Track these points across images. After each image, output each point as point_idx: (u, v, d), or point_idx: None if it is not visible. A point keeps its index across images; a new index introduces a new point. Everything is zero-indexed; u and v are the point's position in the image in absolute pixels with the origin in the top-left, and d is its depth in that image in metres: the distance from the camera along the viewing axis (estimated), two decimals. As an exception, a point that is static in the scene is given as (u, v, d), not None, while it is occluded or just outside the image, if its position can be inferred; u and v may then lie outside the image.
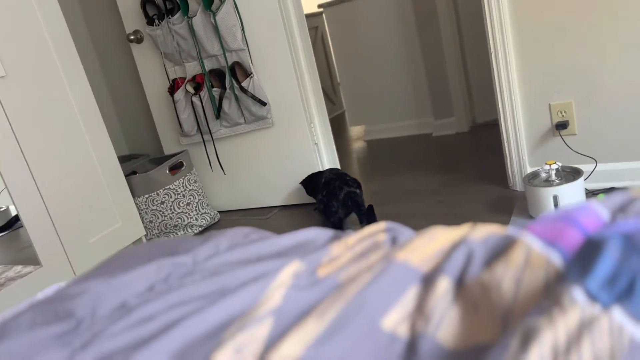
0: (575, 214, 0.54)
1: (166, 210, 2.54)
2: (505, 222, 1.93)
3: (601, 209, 0.56)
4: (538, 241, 0.51)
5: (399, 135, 3.67)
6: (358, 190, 2.20)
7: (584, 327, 0.31)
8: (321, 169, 2.55)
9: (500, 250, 0.56)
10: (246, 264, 0.70)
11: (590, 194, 1.97)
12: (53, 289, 0.77)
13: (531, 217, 1.92)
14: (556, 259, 0.48)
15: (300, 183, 2.53)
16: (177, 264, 0.74)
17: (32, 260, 2.14)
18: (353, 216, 2.34)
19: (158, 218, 2.55)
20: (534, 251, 0.50)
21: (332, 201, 2.17)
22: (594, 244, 0.37)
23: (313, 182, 2.42)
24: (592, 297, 0.34)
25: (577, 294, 0.34)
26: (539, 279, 0.46)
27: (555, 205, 1.83)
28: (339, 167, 2.67)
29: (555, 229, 0.53)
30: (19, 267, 2.21)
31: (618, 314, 0.31)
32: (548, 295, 0.37)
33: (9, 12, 2.04)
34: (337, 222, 2.20)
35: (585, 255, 0.37)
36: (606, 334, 0.30)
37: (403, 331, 0.49)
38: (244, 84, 2.45)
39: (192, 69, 2.58)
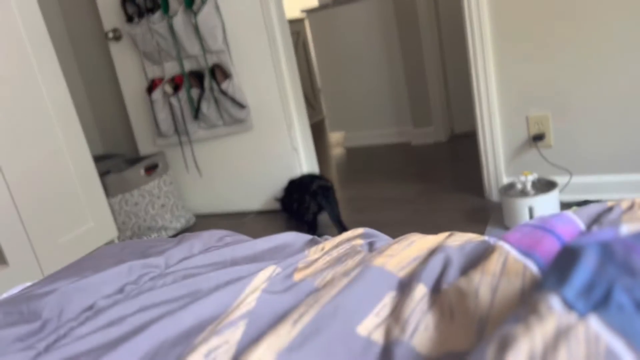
0: (552, 223, 0.55)
1: (140, 212, 2.50)
2: (480, 231, 1.94)
3: (577, 219, 0.56)
4: (515, 249, 0.51)
5: (378, 142, 3.69)
6: (329, 184, 2.25)
7: (560, 335, 0.31)
8: (300, 174, 2.54)
9: (477, 257, 0.56)
10: (220, 268, 0.68)
11: (565, 206, 2.00)
12: (19, 289, 0.75)
13: (506, 228, 1.94)
14: (533, 267, 0.48)
15: (277, 199, 2.54)
16: (149, 265, 0.72)
17: (-1, 259, 2.08)
18: (329, 221, 2.33)
19: (131, 219, 2.51)
20: (510, 259, 0.50)
21: (305, 195, 2.21)
22: (571, 253, 0.37)
23: (288, 195, 2.42)
24: (569, 305, 0.33)
25: (554, 302, 0.34)
26: (516, 287, 0.46)
27: (530, 216, 1.85)
28: (317, 172, 2.67)
29: (532, 238, 0.53)
30: (-16, 267, 2.14)
31: (594, 323, 0.31)
32: (524, 303, 0.36)
33: (-17, 4, 1.99)
34: (312, 220, 2.21)
35: (562, 264, 0.37)
36: (582, 342, 0.30)
37: (378, 337, 0.48)
38: (223, 86, 2.43)
39: (171, 69, 2.55)
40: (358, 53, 3.52)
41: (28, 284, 0.76)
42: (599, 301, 0.33)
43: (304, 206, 2.20)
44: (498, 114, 2.10)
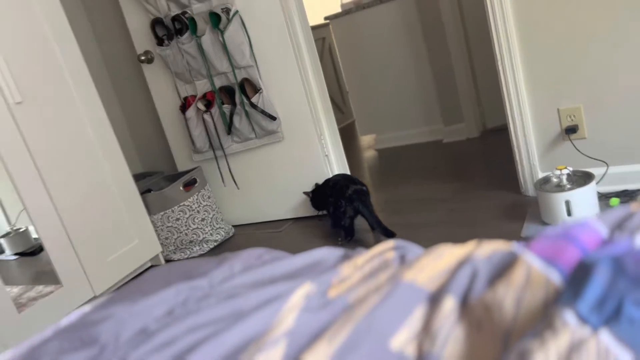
0: (575, 232, 0.56)
1: (181, 227, 2.58)
2: (518, 228, 1.93)
3: (600, 226, 0.57)
4: (538, 260, 0.53)
5: (410, 143, 3.69)
6: (365, 188, 2.25)
7: (573, 349, 0.33)
8: (334, 174, 2.57)
9: (503, 268, 0.58)
10: (260, 286, 0.72)
11: (603, 197, 1.97)
12: (76, 315, 0.81)
13: (544, 223, 1.92)
14: (555, 278, 0.50)
15: (305, 193, 2.57)
16: (195, 287, 0.77)
17: (53, 279, 2.19)
18: (365, 225, 2.34)
19: (174, 234, 2.59)
20: (534, 270, 0.52)
21: (340, 199, 2.21)
22: (586, 268, 0.39)
23: (319, 195, 2.46)
24: (583, 319, 0.36)
25: (569, 316, 0.36)
26: (539, 298, 0.48)
27: (568, 210, 1.83)
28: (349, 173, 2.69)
29: (555, 247, 0.55)
30: (40, 287, 2.26)
31: (605, 336, 0.33)
32: (543, 318, 0.39)
33: (23, 39, 2.11)
34: (349, 225, 2.21)
35: (577, 279, 0.39)
36: (593, 355, 0.32)
37: (411, 351, 0.51)
38: (253, 100, 2.49)
39: (202, 86, 2.63)
40: (384, 55, 3.53)
41: (86, 309, 0.82)
42: (610, 315, 0.35)
43: (340, 210, 2.22)
44: (528, 108, 2.08)
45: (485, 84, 3.32)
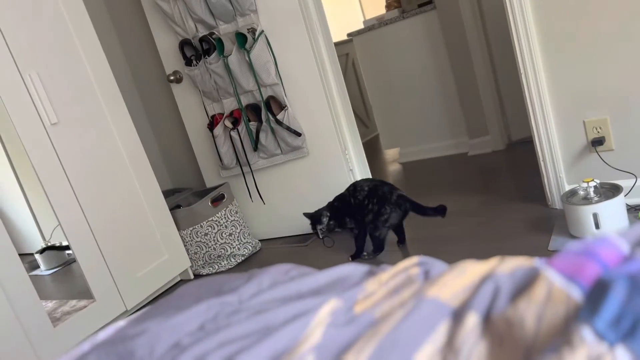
0: (596, 248, 0.57)
1: (210, 242, 2.63)
2: (545, 241, 1.92)
3: (621, 242, 0.58)
4: (559, 276, 0.55)
5: (434, 156, 3.68)
6: (404, 193, 2.16)
7: (589, 366, 0.34)
8: (353, 184, 2.36)
9: (525, 284, 0.59)
10: (288, 302, 0.75)
11: (632, 209, 1.94)
12: (112, 330, 0.84)
13: (572, 236, 1.90)
14: (576, 294, 0.51)
15: (308, 215, 2.36)
16: (225, 303, 0.79)
17: (86, 294, 2.25)
18: (391, 238, 2.34)
19: (202, 249, 2.64)
20: (555, 287, 0.53)
21: (385, 205, 2.10)
22: (603, 285, 0.41)
23: (344, 205, 2.28)
24: (600, 336, 0.37)
25: (586, 333, 0.37)
26: (559, 314, 0.49)
27: (596, 223, 1.81)
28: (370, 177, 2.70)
29: (575, 264, 0.56)
30: (73, 302, 2.32)
31: (620, 353, 0.35)
32: (561, 334, 0.40)
33: (57, 62, 2.20)
34: (383, 237, 2.16)
35: (595, 296, 0.41)
36: (609, 372, 0.34)
37: (434, 366, 0.53)
38: (279, 117, 2.53)
39: (229, 104, 2.69)
40: (407, 69, 3.55)
41: (121, 323, 0.85)
42: (627, 331, 0.36)
43: (382, 218, 2.12)
44: (553, 121, 2.07)
45: (509, 95, 3.31)
